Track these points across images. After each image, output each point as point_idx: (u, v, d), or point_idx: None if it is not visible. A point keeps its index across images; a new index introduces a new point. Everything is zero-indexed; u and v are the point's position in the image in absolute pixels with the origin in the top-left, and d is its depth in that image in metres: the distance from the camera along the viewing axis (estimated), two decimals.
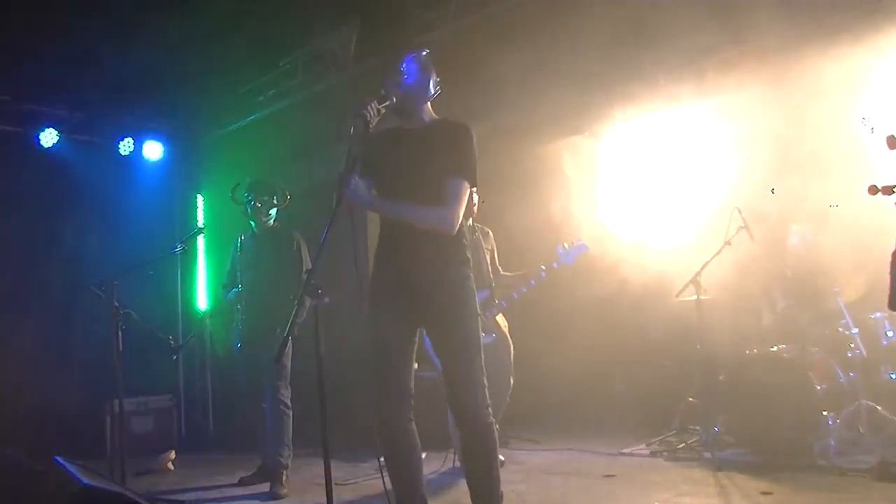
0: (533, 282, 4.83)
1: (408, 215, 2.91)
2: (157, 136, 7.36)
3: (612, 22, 4.91)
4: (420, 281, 2.90)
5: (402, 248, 2.96)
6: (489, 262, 4.98)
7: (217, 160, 7.74)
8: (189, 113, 7.28)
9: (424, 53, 3.05)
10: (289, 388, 4.96)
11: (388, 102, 2.89)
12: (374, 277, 3.07)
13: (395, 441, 2.90)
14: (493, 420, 2.94)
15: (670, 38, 4.88)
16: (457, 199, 2.88)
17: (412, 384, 2.95)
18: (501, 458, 4.76)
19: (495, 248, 5.10)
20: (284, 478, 4.80)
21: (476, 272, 4.60)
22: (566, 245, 4.82)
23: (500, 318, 4.97)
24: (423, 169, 2.92)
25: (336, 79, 6.22)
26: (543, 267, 4.81)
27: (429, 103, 3.07)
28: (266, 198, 5.06)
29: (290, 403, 4.95)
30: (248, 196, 5.06)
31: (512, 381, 4.90)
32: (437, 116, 3.08)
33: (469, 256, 3.02)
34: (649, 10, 4.83)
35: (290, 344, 4.95)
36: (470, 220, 4.83)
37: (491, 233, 5.13)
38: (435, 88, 3.06)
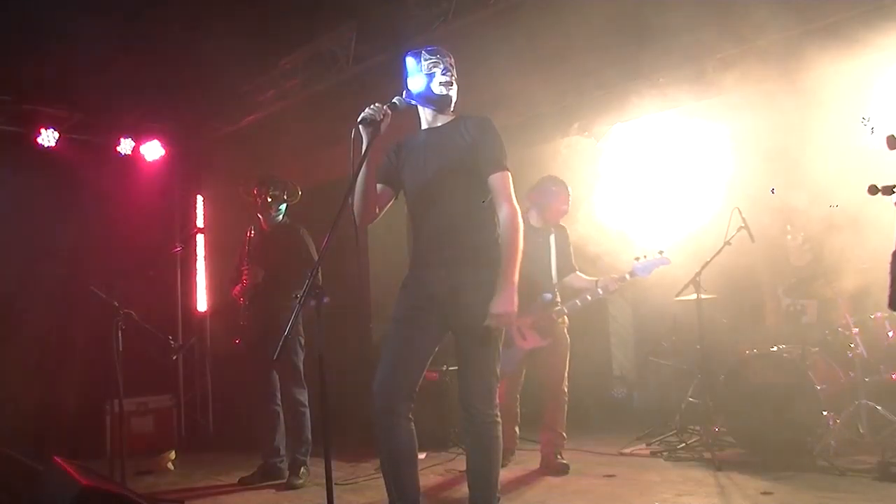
0: (600, 291, 4.62)
1: (516, 259, 2.88)
2: (157, 136, 7.35)
3: (611, 21, 4.91)
4: (453, 283, 2.92)
5: (436, 253, 2.98)
6: (558, 261, 4.80)
7: (217, 160, 7.74)
8: (189, 113, 7.28)
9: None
10: (304, 387, 5.00)
11: (394, 105, 2.90)
12: (407, 279, 3.09)
13: (389, 434, 2.90)
14: (499, 420, 2.95)
15: (670, 37, 4.89)
16: (507, 191, 2.94)
17: (417, 386, 2.96)
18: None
19: (570, 246, 4.92)
20: (302, 470, 4.88)
21: (539, 272, 4.64)
22: (645, 256, 4.61)
23: (561, 318, 4.80)
24: (453, 167, 2.96)
25: (336, 79, 6.22)
26: (615, 277, 4.62)
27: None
28: (276, 193, 5.07)
29: (306, 402, 4.99)
30: (258, 191, 5.07)
31: (566, 388, 4.79)
32: (453, 115, 3.13)
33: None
34: (649, 9, 4.83)
35: (299, 343, 4.98)
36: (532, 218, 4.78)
37: (566, 228, 4.95)
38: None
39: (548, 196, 4.83)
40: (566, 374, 4.80)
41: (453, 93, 3.05)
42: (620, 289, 4.77)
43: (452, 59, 3.07)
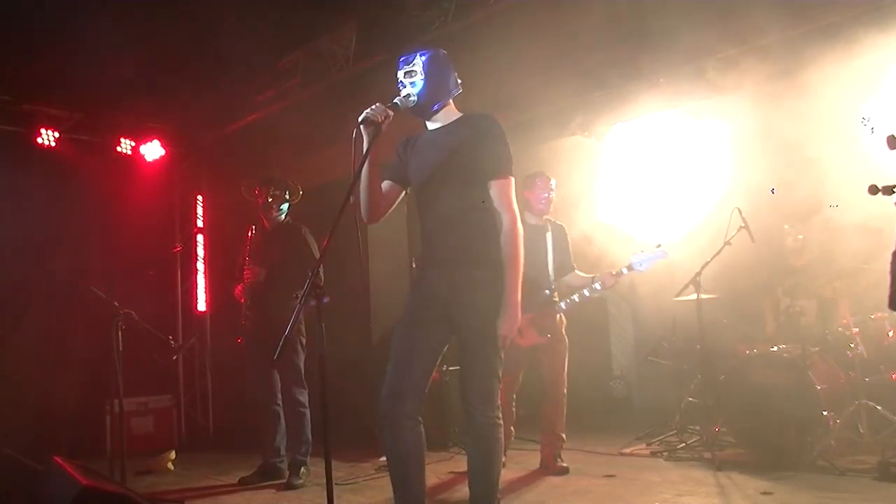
0: (597, 286, 4.61)
1: (518, 270, 2.89)
2: (157, 136, 7.36)
3: (612, 21, 4.92)
4: (452, 282, 2.91)
5: (437, 252, 2.98)
6: (556, 259, 4.79)
7: (217, 160, 7.75)
8: (189, 113, 7.28)
9: (443, 53, 3.07)
10: (304, 387, 5.01)
11: (395, 104, 2.90)
12: (415, 279, 3.10)
13: (395, 435, 2.89)
14: (501, 422, 2.95)
15: (670, 37, 4.88)
16: (507, 198, 2.93)
17: (426, 387, 2.95)
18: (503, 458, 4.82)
19: (569, 245, 4.91)
20: (303, 470, 4.89)
21: (536, 269, 4.66)
22: (642, 251, 4.58)
23: (559, 319, 4.81)
24: (454, 166, 2.94)
25: (336, 79, 6.22)
26: (613, 272, 4.60)
27: (452, 101, 3.09)
28: (277, 192, 5.08)
29: (306, 403, 4.99)
30: (259, 190, 5.08)
31: (565, 390, 4.79)
32: (460, 113, 3.10)
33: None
34: (649, 9, 4.83)
35: (300, 343, 4.98)
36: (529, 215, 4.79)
37: (565, 227, 4.94)
38: (456, 87, 3.09)
39: (527, 189, 4.83)
40: (565, 376, 4.80)
41: (415, 98, 2.95)
42: (620, 288, 4.75)
43: (419, 59, 2.98)
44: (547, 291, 4.71)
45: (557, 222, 4.96)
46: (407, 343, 2.96)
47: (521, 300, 2.89)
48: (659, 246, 4.58)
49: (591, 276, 4.74)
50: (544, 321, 4.66)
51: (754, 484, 4.02)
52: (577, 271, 4.88)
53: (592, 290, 4.65)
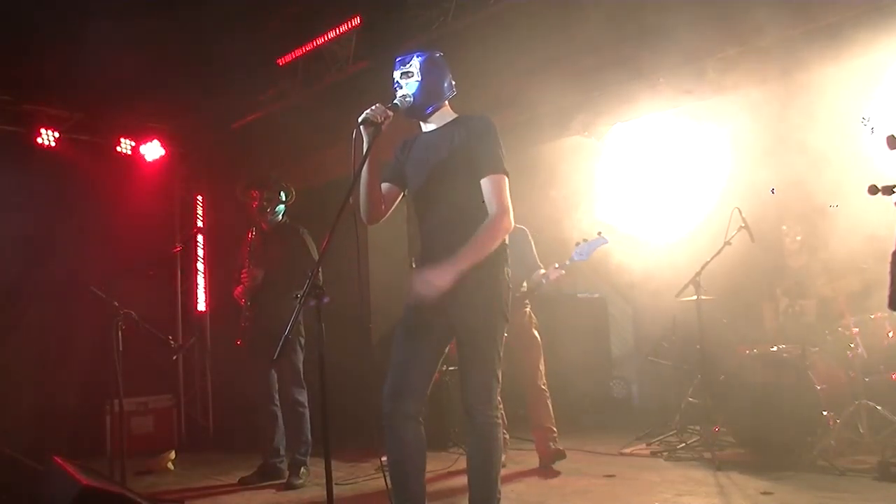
0: (543, 280, 4.77)
1: (476, 253, 2.82)
2: (157, 136, 7.36)
3: (611, 21, 4.92)
4: (455, 284, 2.89)
5: (436, 253, 2.96)
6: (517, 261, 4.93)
7: (217, 160, 7.75)
8: (189, 113, 7.28)
9: (438, 55, 3.07)
10: (304, 386, 5.01)
11: (395, 105, 2.90)
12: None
13: (397, 436, 2.89)
14: (500, 421, 2.95)
15: (670, 37, 4.88)
16: (501, 194, 2.90)
17: (428, 388, 2.95)
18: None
19: (532, 246, 5.00)
20: (302, 470, 4.90)
21: None
22: (585, 240, 4.72)
23: (529, 318, 4.94)
24: (450, 167, 2.94)
25: (336, 79, 6.22)
26: (556, 265, 4.74)
27: (447, 103, 3.09)
28: (271, 195, 5.08)
29: (305, 402, 5.00)
30: (253, 194, 5.08)
31: (543, 385, 4.88)
32: (455, 114, 3.10)
33: (508, 254, 3.01)
34: (649, 9, 4.84)
35: (299, 343, 4.99)
36: None
37: (526, 230, 4.99)
38: (451, 89, 3.09)
39: None
40: (542, 371, 4.91)
41: (410, 99, 2.95)
42: (620, 288, 4.79)
43: (416, 60, 2.97)
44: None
45: (518, 226, 4.98)
46: (408, 344, 2.96)
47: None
48: (600, 233, 4.73)
49: (544, 272, 4.87)
50: None
51: (754, 484, 4.03)
52: (540, 271, 4.94)
53: (539, 285, 4.82)
